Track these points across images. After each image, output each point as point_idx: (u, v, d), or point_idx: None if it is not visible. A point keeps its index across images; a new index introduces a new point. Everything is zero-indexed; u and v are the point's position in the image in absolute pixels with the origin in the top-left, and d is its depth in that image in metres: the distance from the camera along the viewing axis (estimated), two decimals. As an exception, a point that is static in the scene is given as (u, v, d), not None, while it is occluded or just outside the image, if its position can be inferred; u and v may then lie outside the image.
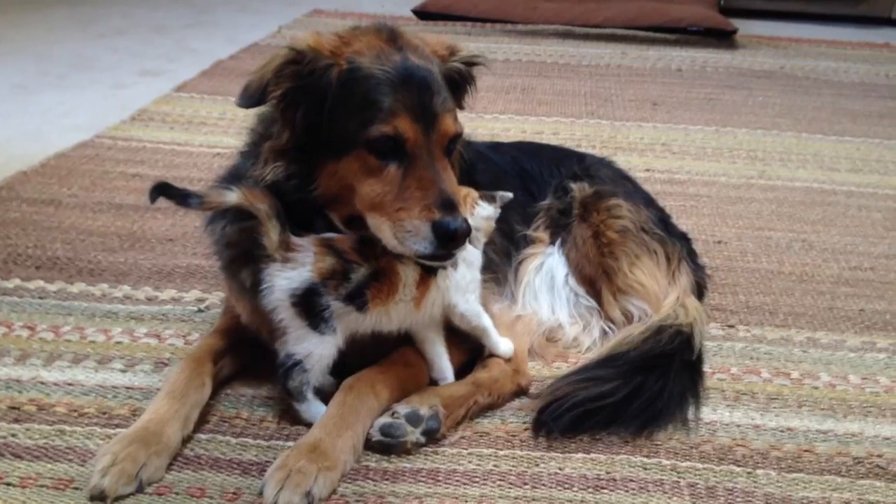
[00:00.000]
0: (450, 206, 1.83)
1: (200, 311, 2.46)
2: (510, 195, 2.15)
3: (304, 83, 1.90)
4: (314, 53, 1.91)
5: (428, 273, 1.94)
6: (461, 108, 2.14)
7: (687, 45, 5.91)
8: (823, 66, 5.60)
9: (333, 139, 1.90)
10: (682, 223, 3.10)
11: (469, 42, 5.76)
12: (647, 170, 3.70)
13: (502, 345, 2.16)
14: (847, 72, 5.51)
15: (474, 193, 2.09)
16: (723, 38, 6.03)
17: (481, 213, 2.05)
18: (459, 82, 2.11)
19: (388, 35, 1.98)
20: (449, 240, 1.83)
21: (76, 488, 1.78)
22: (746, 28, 6.42)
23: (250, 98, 1.93)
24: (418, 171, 1.87)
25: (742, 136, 4.18)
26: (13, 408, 2.02)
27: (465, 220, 1.85)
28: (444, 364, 2.09)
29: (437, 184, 1.86)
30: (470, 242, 1.95)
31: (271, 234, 1.89)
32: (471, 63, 2.14)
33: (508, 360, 2.15)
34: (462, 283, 2.01)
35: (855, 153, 4.04)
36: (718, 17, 6.25)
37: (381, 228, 1.88)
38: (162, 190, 1.89)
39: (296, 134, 1.92)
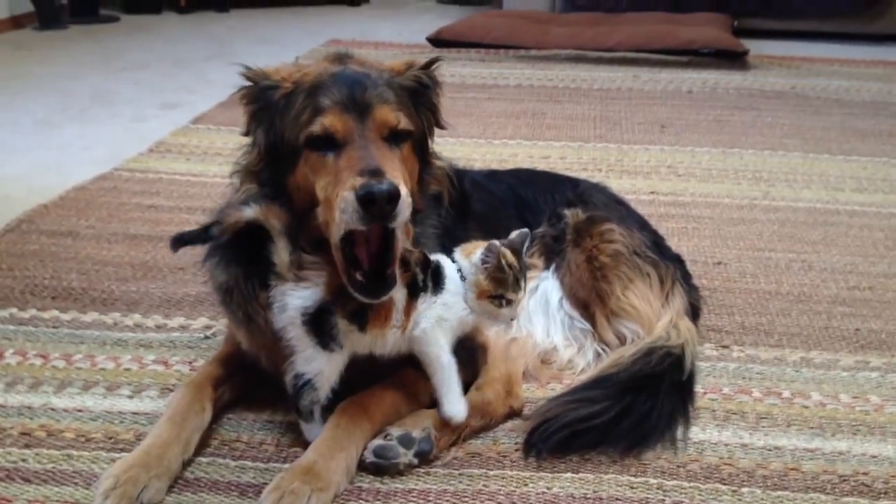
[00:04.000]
0: (374, 173, 1.87)
1: (207, 337, 2.55)
2: (525, 231, 2.12)
3: (260, 105, 2.05)
4: (264, 77, 2.06)
5: (412, 297, 2.00)
6: (437, 122, 2.20)
7: (699, 67, 5.97)
8: (835, 86, 5.63)
9: (286, 152, 2.02)
10: (683, 245, 3.16)
11: (482, 68, 5.89)
12: (652, 192, 3.76)
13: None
14: (859, 91, 5.54)
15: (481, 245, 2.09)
16: (734, 60, 6.07)
17: (473, 259, 2.07)
18: (422, 88, 2.14)
19: (336, 57, 2.12)
20: (370, 202, 1.84)
21: (81, 510, 1.86)
22: (760, 48, 6.46)
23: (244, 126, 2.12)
24: (349, 153, 1.94)
25: (748, 158, 4.23)
26: (24, 433, 2.11)
27: (392, 184, 1.84)
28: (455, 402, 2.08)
29: (363, 158, 1.91)
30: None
31: (281, 253, 1.97)
32: (428, 66, 2.17)
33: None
34: (433, 311, 2.03)
35: (861, 172, 4.06)
36: (730, 38, 6.30)
37: (330, 216, 1.92)
38: (180, 241, 2.04)
39: (261, 154, 2.06)
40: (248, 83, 2.08)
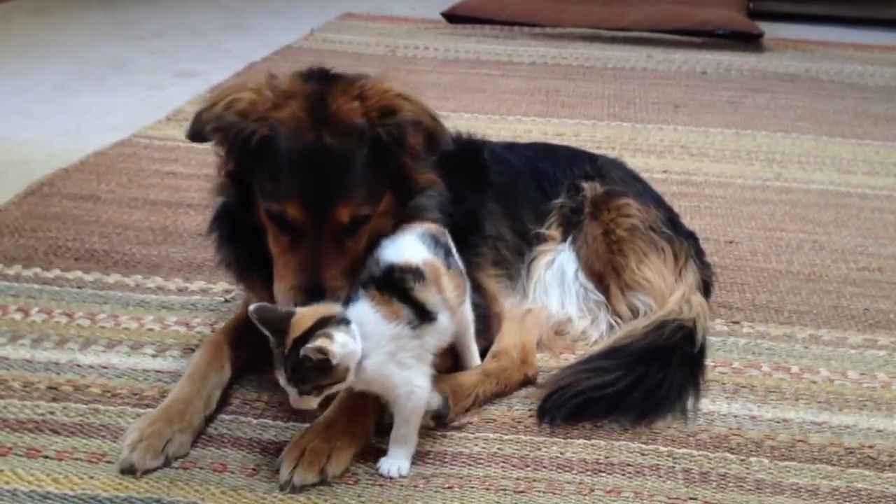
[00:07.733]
0: (314, 293, 1.92)
1: (227, 301, 2.60)
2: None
3: (233, 146, 2.02)
4: (238, 124, 1.98)
5: None
6: (430, 148, 2.10)
7: (713, 48, 5.96)
8: (849, 70, 5.63)
9: (254, 195, 2.03)
10: (695, 223, 3.19)
11: (497, 45, 5.90)
12: (665, 171, 3.79)
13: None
14: (873, 75, 5.54)
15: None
16: (749, 42, 6.07)
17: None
18: (393, 140, 2.02)
19: (314, 103, 2.00)
20: None
21: (108, 462, 1.91)
22: (775, 31, 6.45)
23: (192, 133, 2.11)
24: (300, 251, 1.96)
25: (761, 139, 4.25)
26: (52, 388, 2.17)
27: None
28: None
29: (310, 270, 1.95)
30: None
31: None
32: (391, 116, 2.02)
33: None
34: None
35: (874, 156, 4.09)
36: (745, 20, 6.30)
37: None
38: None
39: (233, 183, 2.08)
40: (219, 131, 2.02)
